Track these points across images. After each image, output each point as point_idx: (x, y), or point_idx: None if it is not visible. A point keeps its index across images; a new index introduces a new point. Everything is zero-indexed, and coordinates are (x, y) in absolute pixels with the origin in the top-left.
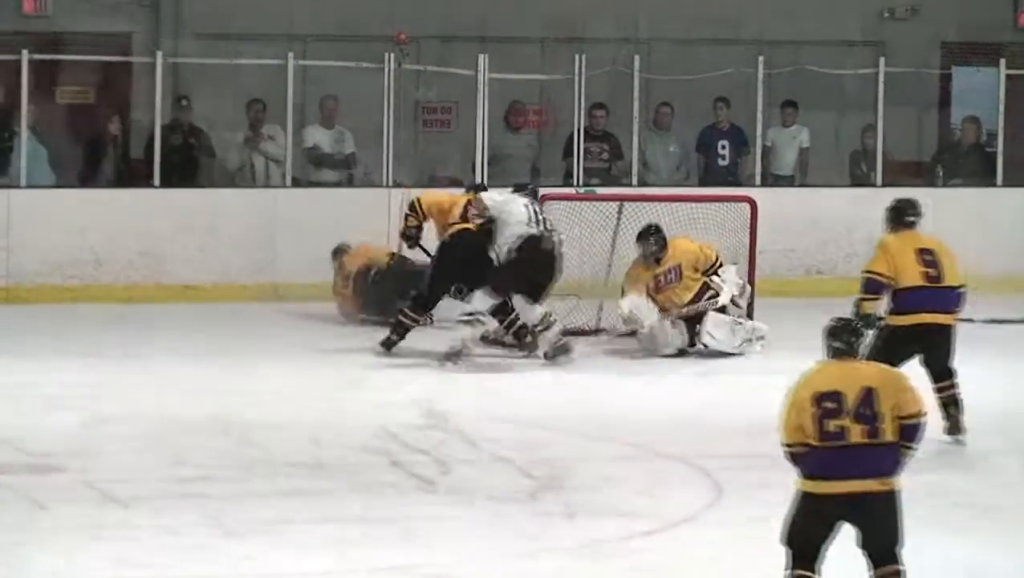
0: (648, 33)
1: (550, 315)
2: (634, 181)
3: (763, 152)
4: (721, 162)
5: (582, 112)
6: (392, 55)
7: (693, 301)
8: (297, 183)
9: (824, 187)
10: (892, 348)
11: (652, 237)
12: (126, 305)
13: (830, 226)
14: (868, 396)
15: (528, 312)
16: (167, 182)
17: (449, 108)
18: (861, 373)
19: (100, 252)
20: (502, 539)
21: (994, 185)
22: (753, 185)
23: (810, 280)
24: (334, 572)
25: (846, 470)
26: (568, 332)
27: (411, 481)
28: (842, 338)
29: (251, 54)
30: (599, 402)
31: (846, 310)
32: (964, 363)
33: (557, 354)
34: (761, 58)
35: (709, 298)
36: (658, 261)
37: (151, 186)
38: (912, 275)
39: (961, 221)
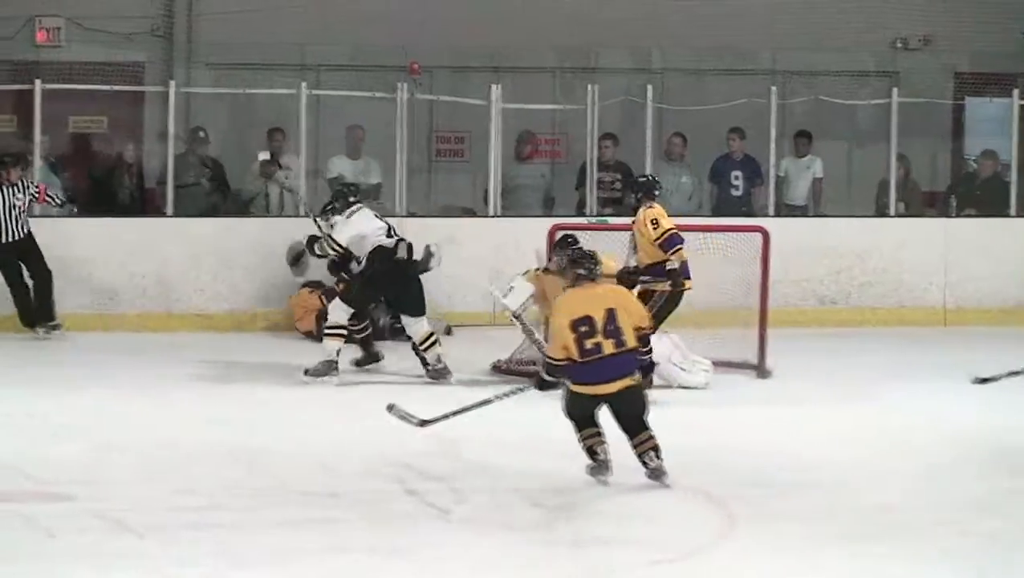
0: (661, 63)
1: (433, 335)
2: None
3: (776, 182)
4: (734, 192)
5: (595, 142)
6: (405, 85)
7: None
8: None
9: (837, 216)
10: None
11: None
12: (138, 334)
13: (843, 256)
14: (611, 315)
15: (413, 328)
16: (180, 211)
17: (462, 137)
18: (601, 296)
19: (114, 281)
20: (514, 569)
21: (1007, 215)
22: (766, 215)
23: (823, 310)
24: None
25: (605, 376)
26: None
27: (425, 510)
28: (584, 265)
29: (263, 83)
30: (609, 431)
31: (853, 342)
32: None
33: (437, 377)
34: (774, 89)
35: None
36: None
37: (163, 215)
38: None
39: (974, 251)
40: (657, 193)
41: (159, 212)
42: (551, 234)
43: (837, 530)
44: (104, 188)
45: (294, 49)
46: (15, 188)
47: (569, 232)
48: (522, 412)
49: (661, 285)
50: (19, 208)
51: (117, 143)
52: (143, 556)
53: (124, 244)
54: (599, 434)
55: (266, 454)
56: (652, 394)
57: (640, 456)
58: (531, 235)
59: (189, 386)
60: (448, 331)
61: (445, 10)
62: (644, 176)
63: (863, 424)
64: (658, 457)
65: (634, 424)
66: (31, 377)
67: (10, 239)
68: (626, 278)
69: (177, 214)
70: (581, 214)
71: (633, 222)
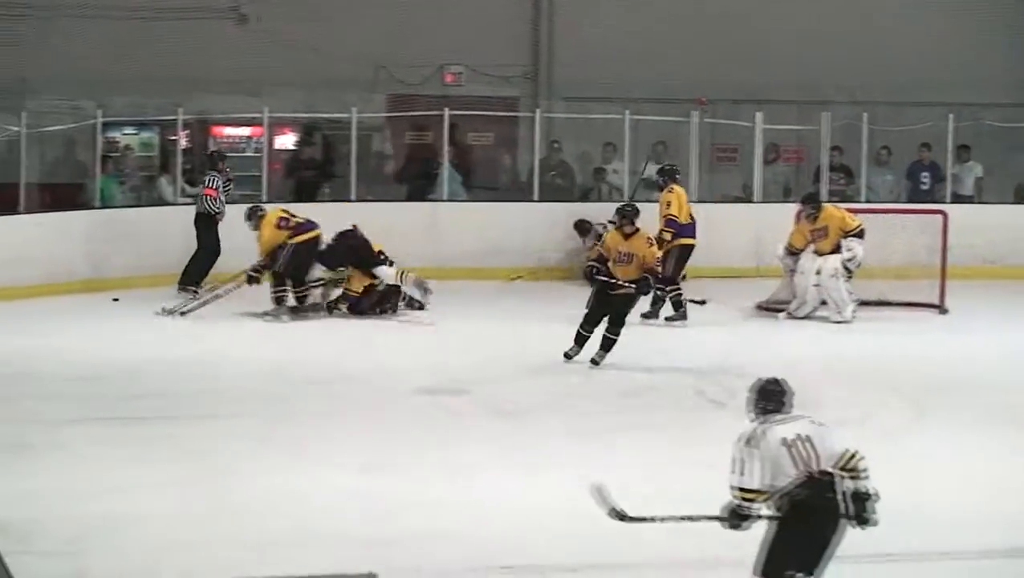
0: (871, 97)
1: (403, 270)
2: (862, 199)
3: (952, 180)
4: (923, 187)
5: (827, 152)
6: (695, 112)
7: (832, 252)
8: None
9: (994, 204)
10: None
11: (811, 205)
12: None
13: (999, 231)
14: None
15: (384, 274)
16: (543, 197)
17: (735, 148)
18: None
19: (498, 245)
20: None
21: None
22: (944, 202)
23: (985, 268)
24: (650, 464)
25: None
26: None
27: (708, 403)
28: (629, 217)
29: (599, 111)
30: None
31: (1002, 291)
32: None
33: (419, 288)
34: (951, 115)
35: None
36: (815, 220)
37: (531, 200)
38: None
39: None
40: (678, 177)
41: (528, 198)
42: (797, 214)
43: (998, 416)
44: (492, 182)
45: (621, 86)
46: (226, 177)
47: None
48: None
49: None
50: (227, 193)
51: (499, 152)
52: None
53: (502, 220)
54: None
55: None
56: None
57: None
58: (782, 215)
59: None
60: (425, 290)
61: (722, 58)
62: (669, 165)
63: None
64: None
65: (617, 321)
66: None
67: (222, 215)
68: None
69: (542, 199)
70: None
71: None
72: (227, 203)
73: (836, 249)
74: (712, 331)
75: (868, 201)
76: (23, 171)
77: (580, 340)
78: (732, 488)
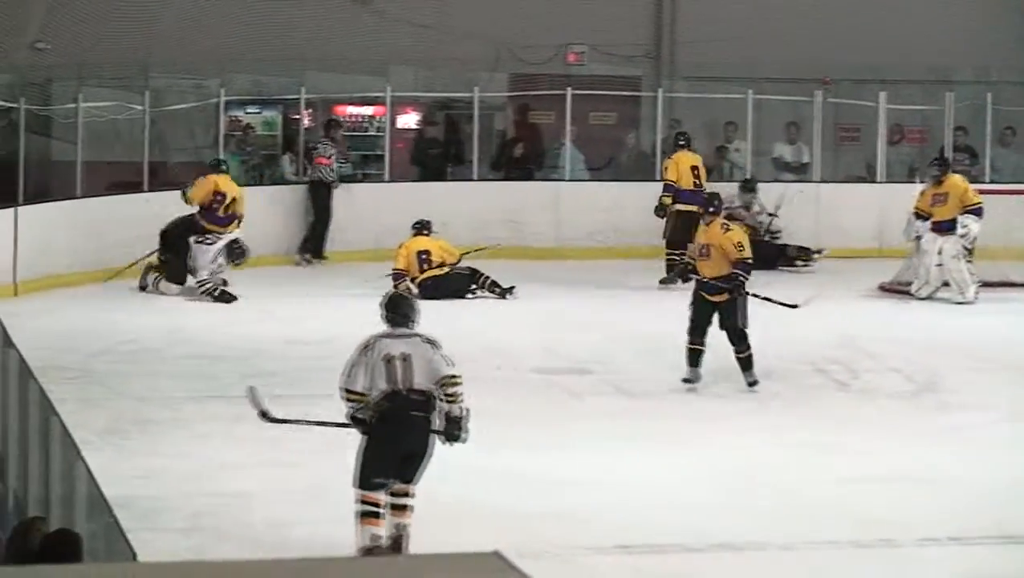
0: (997, 77)
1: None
2: (987, 180)
3: None
4: None
5: (951, 133)
6: (819, 92)
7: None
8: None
9: None
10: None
11: (937, 163)
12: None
13: None
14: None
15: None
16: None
17: (858, 128)
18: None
19: (617, 224)
20: (895, 425)
21: None
22: None
23: None
24: (771, 443)
25: None
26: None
27: (831, 383)
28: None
29: (721, 90)
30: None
31: None
32: None
33: (233, 257)
34: None
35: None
36: (939, 183)
37: (652, 180)
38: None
39: None
40: (682, 144)
41: (649, 177)
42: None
43: None
44: (616, 161)
45: (743, 66)
46: (337, 147)
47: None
48: (915, 314)
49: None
50: (341, 164)
51: (621, 131)
52: (648, 416)
53: (627, 198)
54: None
55: None
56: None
57: None
58: (905, 195)
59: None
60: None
61: (846, 37)
62: (678, 132)
63: None
64: None
65: None
66: (574, 288)
67: (336, 184)
68: None
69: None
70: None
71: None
72: (346, 180)
73: (953, 223)
74: (835, 312)
75: (992, 182)
76: (146, 149)
77: (694, 359)
78: (339, 388)
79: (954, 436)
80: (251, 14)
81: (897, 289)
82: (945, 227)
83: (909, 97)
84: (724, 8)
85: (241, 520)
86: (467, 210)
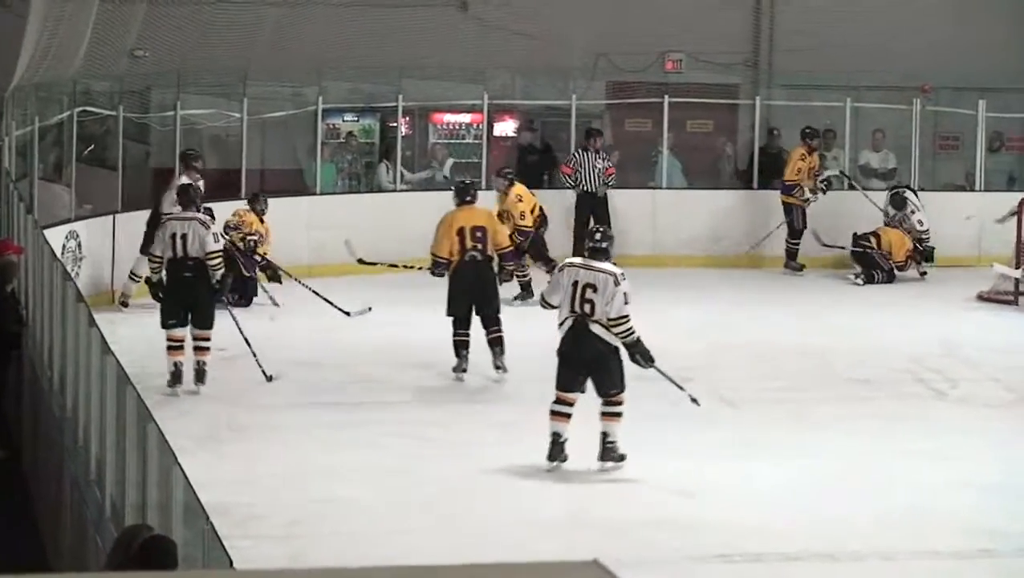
0: None
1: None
2: None
3: None
4: None
5: None
6: (918, 100)
7: None
8: (852, 188)
9: None
10: None
11: None
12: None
13: None
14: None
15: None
16: (762, 186)
17: (957, 137)
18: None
19: (716, 233)
20: (994, 435)
21: None
22: None
23: None
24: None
25: None
26: None
27: (929, 392)
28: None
29: (819, 98)
30: None
31: None
32: None
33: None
34: None
35: None
36: None
37: (750, 188)
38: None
39: None
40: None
41: (747, 186)
42: (1021, 203)
43: None
44: (713, 170)
45: (841, 73)
46: (598, 155)
47: None
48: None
49: None
50: (599, 170)
51: (718, 140)
52: (739, 425)
53: (726, 208)
54: None
55: (825, 351)
56: None
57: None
58: (1005, 204)
59: (767, 307)
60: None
61: (945, 45)
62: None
63: None
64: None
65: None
66: (665, 297)
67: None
68: None
69: (761, 187)
70: None
71: None
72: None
73: None
74: (935, 320)
75: None
76: (244, 157)
77: None
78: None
79: None
80: (349, 22)
81: (997, 299)
82: None
83: (1009, 105)
84: (822, 16)
85: (338, 527)
86: (561, 216)
